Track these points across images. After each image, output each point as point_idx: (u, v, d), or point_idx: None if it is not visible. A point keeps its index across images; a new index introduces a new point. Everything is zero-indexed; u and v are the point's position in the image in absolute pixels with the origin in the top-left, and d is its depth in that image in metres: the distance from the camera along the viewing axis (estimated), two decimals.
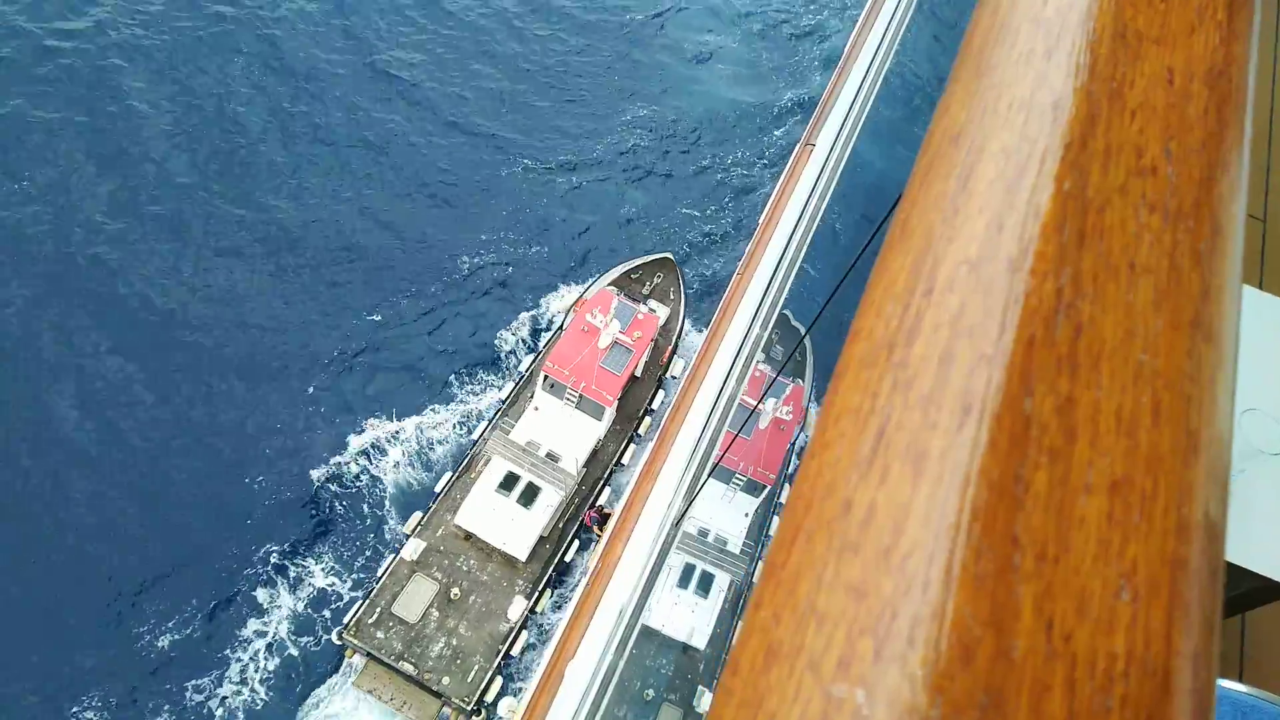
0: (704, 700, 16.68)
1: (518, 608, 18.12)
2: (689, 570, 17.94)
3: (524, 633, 18.09)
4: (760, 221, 7.04)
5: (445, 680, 17.31)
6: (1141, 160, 0.61)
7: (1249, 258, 5.21)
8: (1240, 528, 2.82)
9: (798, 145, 7.59)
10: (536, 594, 18.51)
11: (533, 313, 23.37)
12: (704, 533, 18.63)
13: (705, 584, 17.86)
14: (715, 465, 5.11)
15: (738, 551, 18.48)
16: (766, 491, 19.09)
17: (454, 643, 17.77)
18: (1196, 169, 0.61)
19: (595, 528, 19.34)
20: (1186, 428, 0.51)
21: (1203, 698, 0.45)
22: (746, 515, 19.18)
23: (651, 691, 17.10)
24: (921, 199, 0.63)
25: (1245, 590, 2.90)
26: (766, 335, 5.39)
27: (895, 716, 0.41)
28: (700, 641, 17.22)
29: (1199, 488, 0.50)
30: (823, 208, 5.80)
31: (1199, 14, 0.70)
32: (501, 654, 17.68)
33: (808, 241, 5.65)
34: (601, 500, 19.97)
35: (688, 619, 17.36)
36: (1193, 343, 0.54)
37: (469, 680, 17.40)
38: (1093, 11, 0.68)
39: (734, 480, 19.07)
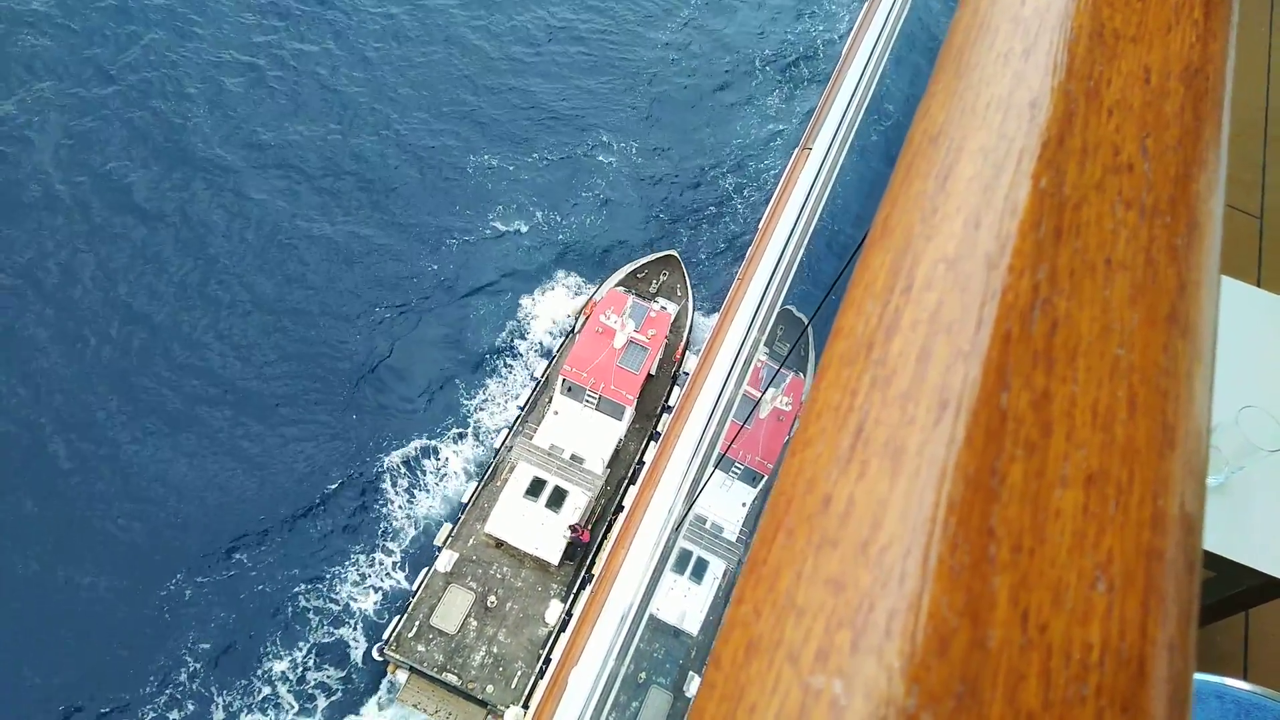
0: (693, 685, 16.65)
1: (554, 611, 18.29)
2: (685, 556, 17.99)
3: (562, 635, 18.10)
4: (760, 226, 7.06)
5: (489, 689, 17.40)
6: (1118, 157, 0.61)
7: (1246, 256, 5.21)
8: (1241, 525, 2.82)
9: (796, 149, 7.62)
10: (571, 596, 18.63)
11: None
12: (701, 520, 18.66)
13: (700, 570, 17.95)
14: (714, 470, 5.11)
15: (734, 539, 18.52)
16: (764, 481, 19.08)
17: (495, 650, 17.88)
18: (1173, 165, 0.62)
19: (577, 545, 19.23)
20: (1163, 421, 0.52)
21: (1178, 686, 0.45)
22: (744, 505, 19.21)
23: (644, 675, 17.14)
24: (902, 198, 0.64)
25: (1247, 588, 2.90)
26: (767, 334, 5.40)
27: (872, 706, 0.41)
28: (693, 627, 17.27)
29: (1175, 480, 0.51)
30: (820, 208, 5.82)
31: (1176, 12, 0.70)
32: (542, 658, 17.77)
33: (806, 241, 5.67)
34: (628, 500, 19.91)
35: (681, 604, 17.42)
36: (1169, 337, 0.55)
37: (513, 687, 17.49)
38: (1070, 10, 0.69)
39: (733, 469, 19.07)
